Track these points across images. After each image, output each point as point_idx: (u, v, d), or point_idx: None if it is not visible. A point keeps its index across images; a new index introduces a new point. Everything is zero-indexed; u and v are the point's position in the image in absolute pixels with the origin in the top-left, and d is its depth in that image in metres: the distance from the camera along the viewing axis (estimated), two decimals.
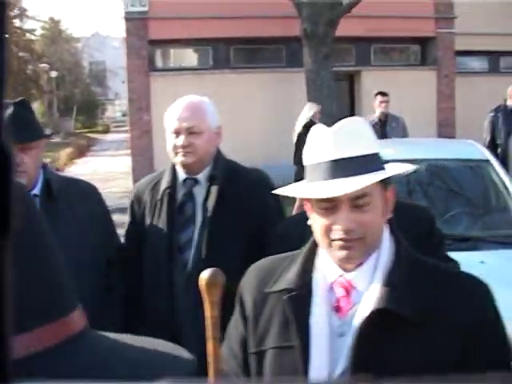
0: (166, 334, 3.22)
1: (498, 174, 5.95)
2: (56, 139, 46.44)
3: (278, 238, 2.91)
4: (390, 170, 1.90)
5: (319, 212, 1.84)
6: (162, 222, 3.30)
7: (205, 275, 2.09)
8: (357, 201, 1.80)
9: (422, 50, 20.03)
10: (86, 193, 3.43)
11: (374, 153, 1.86)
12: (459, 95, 19.20)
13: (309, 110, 11.08)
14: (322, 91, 14.20)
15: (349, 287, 1.85)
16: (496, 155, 8.99)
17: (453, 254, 4.15)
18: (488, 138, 9.75)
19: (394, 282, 1.80)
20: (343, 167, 1.80)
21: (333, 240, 1.81)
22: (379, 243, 1.86)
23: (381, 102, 10.41)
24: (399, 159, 6.32)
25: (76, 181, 3.60)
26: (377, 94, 10.72)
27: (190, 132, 3.21)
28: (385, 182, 1.86)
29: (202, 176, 3.30)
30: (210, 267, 3.08)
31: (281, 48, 18.72)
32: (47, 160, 28.93)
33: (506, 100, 9.86)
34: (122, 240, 3.62)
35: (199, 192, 3.32)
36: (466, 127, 16.81)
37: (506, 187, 5.80)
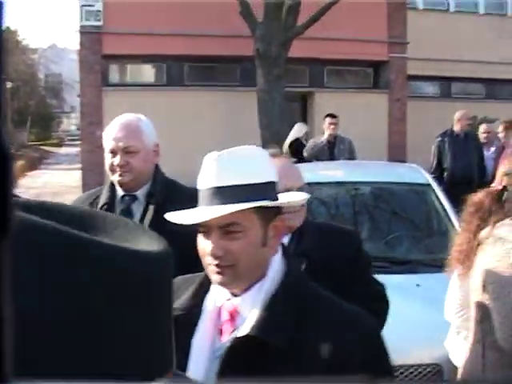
0: None
1: (438, 199, 6.03)
2: None
3: None
4: (279, 200, 1.92)
5: (200, 236, 1.91)
6: None
7: None
8: (226, 228, 1.83)
9: (374, 74, 20.29)
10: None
11: (258, 182, 1.87)
12: (410, 119, 19.46)
13: (299, 131, 11.09)
14: (273, 111, 14.28)
15: (233, 312, 1.87)
16: (441, 178, 9.18)
17: (391, 277, 4.23)
18: (435, 162, 9.92)
19: (273, 309, 1.81)
20: (221, 195, 1.84)
21: (208, 264, 1.87)
22: (265, 270, 1.88)
23: (330, 124, 10.52)
24: (343, 181, 6.39)
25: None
26: (326, 116, 10.83)
27: (126, 152, 3.25)
28: (266, 212, 1.88)
29: (140, 193, 3.35)
30: None
31: (234, 67, 18.80)
32: None
33: (452, 125, 10.03)
34: None
35: (137, 209, 3.36)
36: (417, 150, 16.99)
37: (445, 212, 5.89)
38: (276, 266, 1.92)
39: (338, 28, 17.09)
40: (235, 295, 1.88)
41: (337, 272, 2.84)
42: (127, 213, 3.34)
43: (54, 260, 0.73)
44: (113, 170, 3.29)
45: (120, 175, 3.27)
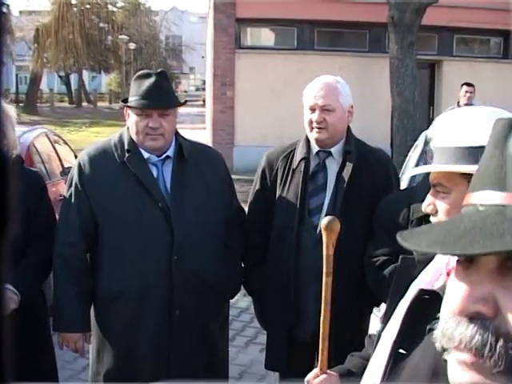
0: (287, 294, 3.65)
1: None
2: None
3: (384, 211, 3.33)
4: None
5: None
6: (295, 188, 3.64)
7: (324, 221, 2.51)
8: (435, 187, 1.96)
9: (504, 43, 19.89)
10: (213, 158, 3.77)
11: (474, 146, 1.82)
12: None
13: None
14: (405, 78, 14.41)
15: None
16: None
17: None
18: None
19: None
20: (439, 154, 1.91)
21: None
22: None
23: (466, 92, 10.61)
24: None
25: (204, 147, 3.91)
26: (463, 85, 10.90)
27: (324, 109, 3.55)
28: None
29: (335, 150, 3.65)
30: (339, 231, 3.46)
31: (364, 33, 18.84)
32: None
33: None
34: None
35: (331, 164, 3.65)
36: None
37: None
38: None
39: None
40: None
41: None
42: (322, 167, 3.66)
43: None
44: (311, 126, 3.60)
45: (317, 131, 3.57)
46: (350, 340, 3.26)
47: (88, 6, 47.54)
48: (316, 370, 2.48)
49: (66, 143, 9.84)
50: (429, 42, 18.79)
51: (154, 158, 3.52)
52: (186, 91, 72.66)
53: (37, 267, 3.67)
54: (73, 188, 3.52)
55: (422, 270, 1.95)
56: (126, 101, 3.54)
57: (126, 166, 3.45)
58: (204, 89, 46.31)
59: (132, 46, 50.22)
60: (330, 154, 3.65)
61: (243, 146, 17.46)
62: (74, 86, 57.60)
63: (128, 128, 3.55)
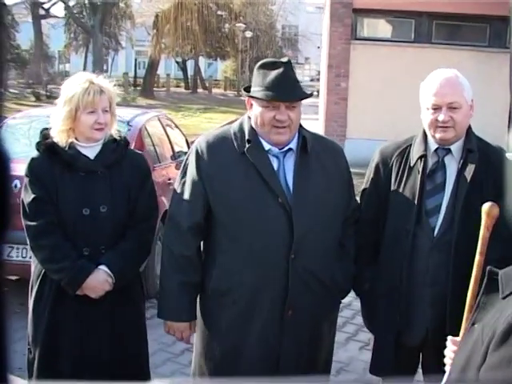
0: (399, 298, 3.50)
1: None
2: (245, 97, 47.57)
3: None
4: None
5: None
6: (411, 187, 3.46)
7: (485, 206, 2.68)
8: None
9: None
10: (335, 152, 3.60)
11: None
12: None
13: None
14: None
15: None
16: None
17: None
18: None
19: None
20: None
21: None
22: None
23: None
24: None
25: (325, 139, 3.77)
26: None
27: (450, 107, 3.35)
28: None
29: (455, 147, 3.45)
30: (458, 234, 3.35)
31: (484, 27, 18.29)
32: (237, 116, 29.65)
33: None
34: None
35: (451, 162, 3.46)
36: None
37: None
38: None
39: None
40: None
41: None
42: (441, 165, 3.47)
43: None
44: (435, 126, 3.38)
45: (443, 131, 3.37)
46: None
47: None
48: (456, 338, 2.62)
49: (177, 127, 9.95)
50: None
51: (276, 150, 3.37)
52: (300, 81, 72.27)
53: (134, 251, 3.72)
54: (189, 176, 3.42)
55: None
56: (247, 89, 3.40)
57: (246, 157, 3.32)
58: (318, 79, 46.19)
59: (248, 34, 50.65)
60: (449, 151, 3.47)
61: (355, 138, 17.28)
62: (190, 71, 58.60)
63: (249, 117, 3.41)
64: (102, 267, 3.61)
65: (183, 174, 3.46)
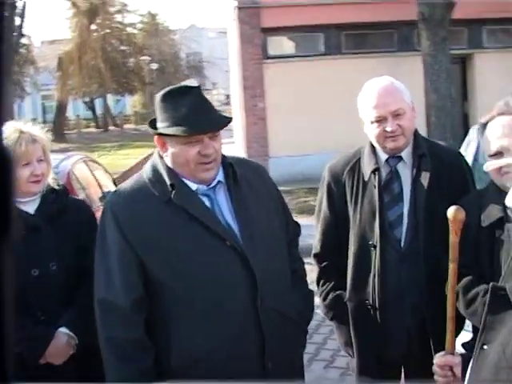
0: (374, 315, 3.38)
1: None
2: None
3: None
4: None
5: None
6: (369, 201, 3.35)
7: (450, 210, 2.59)
8: None
9: None
10: (260, 173, 3.21)
11: None
12: None
13: None
14: (440, 74, 14.08)
15: None
16: None
17: None
18: None
19: None
20: None
21: None
22: None
23: None
24: None
25: (247, 161, 3.37)
26: None
27: (395, 115, 3.26)
28: None
29: (405, 154, 3.36)
30: (425, 241, 3.22)
31: (391, 32, 18.60)
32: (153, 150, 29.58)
33: None
34: None
35: (404, 169, 3.37)
36: None
37: None
38: None
39: None
40: None
41: None
42: (395, 175, 3.37)
43: None
44: (384, 137, 3.28)
45: (393, 140, 3.27)
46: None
47: (108, 31, 47.99)
48: (442, 353, 2.65)
49: (103, 167, 9.72)
50: (458, 36, 18.48)
51: (204, 188, 2.87)
52: None
53: (93, 306, 3.37)
54: (111, 245, 2.81)
55: None
56: (153, 125, 2.87)
57: (173, 204, 2.78)
58: (228, 103, 46.34)
59: (154, 66, 50.52)
60: (400, 159, 3.37)
61: (278, 156, 17.22)
62: (99, 110, 57.93)
63: (161, 157, 2.88)
64: (62, 329, 3.29)
65: (102, 245, 2.84)
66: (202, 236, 2.79)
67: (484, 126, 3.02)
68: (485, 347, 1.77)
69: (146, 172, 2.90)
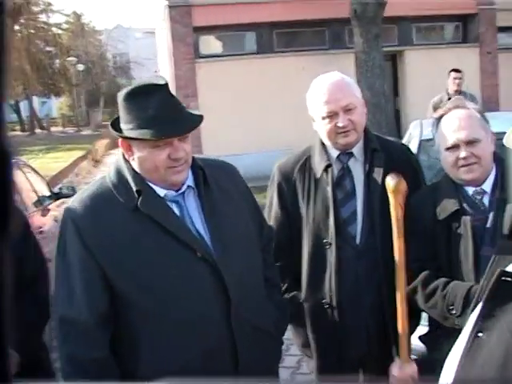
0: (332, 315, 3.32)
1: None
2: (86, 131, 46.73)
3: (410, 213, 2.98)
4: None
5: None
6: (322, 199, 3.29)
7: (391, 182, 2.65)
8: None
9: (463, 28, 19.94)
10: (231, 174, 3.00)
11: None
12: (502, 72, 19.14)
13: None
14: (373, 71, 14.16)
15: None
16: None
17: None
18: None
19: None
20: None
21: None
22: None
23: (454, 79, 10.37)
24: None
25: (217, 161, 3.07)
26: (450, 71, 10.66)
27: (346, 110, 3.20)
28: None
29: (356, 149, 3.31)
30: (381, 237, 3.18)
31: (323, 30, 18.70)
32: (83, 152, 29.36)
33: None
34: None
35: (355, 165, 3.32)
36: (510, 104, 16.78)
37: None
38: None
39: None
40: None
41: None
42: (347, 171, 3.32)
43: None
44: (335, 132, 3.22)
45: (345, 136, 3.22)
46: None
47: (32, 31, 47.00)
48: (397, 363, 2.68)
49: (36, 172, 9.37)
50: (389, 33, 18.69)
51: (172, 194, 2.67)
52: None
53: (33, 318, 3.16)
54: (72, 257, 2.57)
55: None
56: (116, 126, 2.64)
57: (140, 212, 2.57)
58: None
59: (80, 67, 49.87)
60: (351, 155, 3.32)
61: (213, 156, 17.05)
62: (24, 113, 56.70)
63: (126, 161, 2.66)
64: None
65: (62, 258, 2.61)
66: (171, 246, 2.58)
67: (439, 119, 3.05)
68: (480, 335, 1.67)
69: (109, 176, 2.67)
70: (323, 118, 3.24)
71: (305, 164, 3.38)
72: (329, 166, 3.29)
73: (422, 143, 6.07)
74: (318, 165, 3.32)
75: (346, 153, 3.31)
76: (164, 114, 2.52)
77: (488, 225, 2.90)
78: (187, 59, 17.69)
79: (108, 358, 2.58)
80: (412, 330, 3.26)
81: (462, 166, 2.93)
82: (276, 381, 3.10)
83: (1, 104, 0.60)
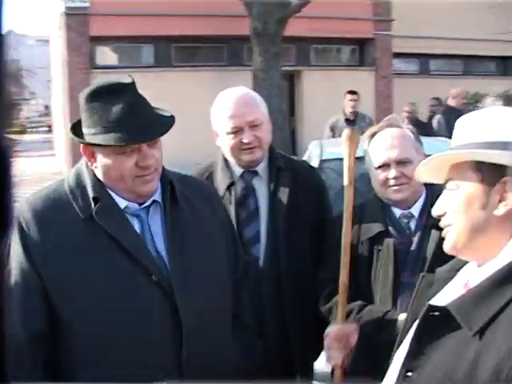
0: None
1: None
2: None
3: (339, 221, 2.86)
4: None
5: None
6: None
7: (348, 132, 2.82)
8: None
9: (360, 51, 20.32)
10: (207, 194, 2.72)
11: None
12: (396, 96, 19.59)
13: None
14: (271, 90, 14.15)
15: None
16: None
17: None
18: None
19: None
20: None
21: None
22: None
23: (350, 101, 10.44)
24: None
25: (191, 178, 2.81)
26: (346, 93, 10.73)
27: (252, 125, 3.06)
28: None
29: (261, 168, 3.19)
30: (286, 259, 3.03)
31: (222, 46, 18.68)
32: None
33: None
34: None
35: (259, 184, 3.19)
36: None
37: None
38: None
39: (323, 6, 17.02)
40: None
41: None
42: (250, 189, 3.18)
43: None
44: (240, 149, 3.08)
45: (250, 152, 3.09)
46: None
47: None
48: (333, 324, 2.64)
49: None
50: (287, 53, 18.81)
51: (135, 207, 2.37)
52: (28, 118, 69.99)
53: None
54: (14, 262, 2.23)
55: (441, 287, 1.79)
56: (76, 131, 2.36)
57: (95, 222, 2.27)
58: (47, 114, 44.89)
59: None
60: (256, 173, 3.18)
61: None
62: None
63: (87, 167, 2.35)
64: None
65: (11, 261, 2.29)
66: (123, 266, 2.26)
67: (371, 136, 2.94)
68: (409, 374, 1.59)
69: (68, 181, 2.37)
70: (228, 134, 3.09)
71: (208, 178, 3.20)
72: (232, 183, 3.14)
73: (322, 163, 6.05)
74: (221, 182, 3.16)
75: (250, 171, 3.18)
76: (131, 116, 2.24)
77: (412, 249, 2.80)
78: (82, 69, 17.29)
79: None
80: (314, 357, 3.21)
81: (392, 185, 2.83)
82: None
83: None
